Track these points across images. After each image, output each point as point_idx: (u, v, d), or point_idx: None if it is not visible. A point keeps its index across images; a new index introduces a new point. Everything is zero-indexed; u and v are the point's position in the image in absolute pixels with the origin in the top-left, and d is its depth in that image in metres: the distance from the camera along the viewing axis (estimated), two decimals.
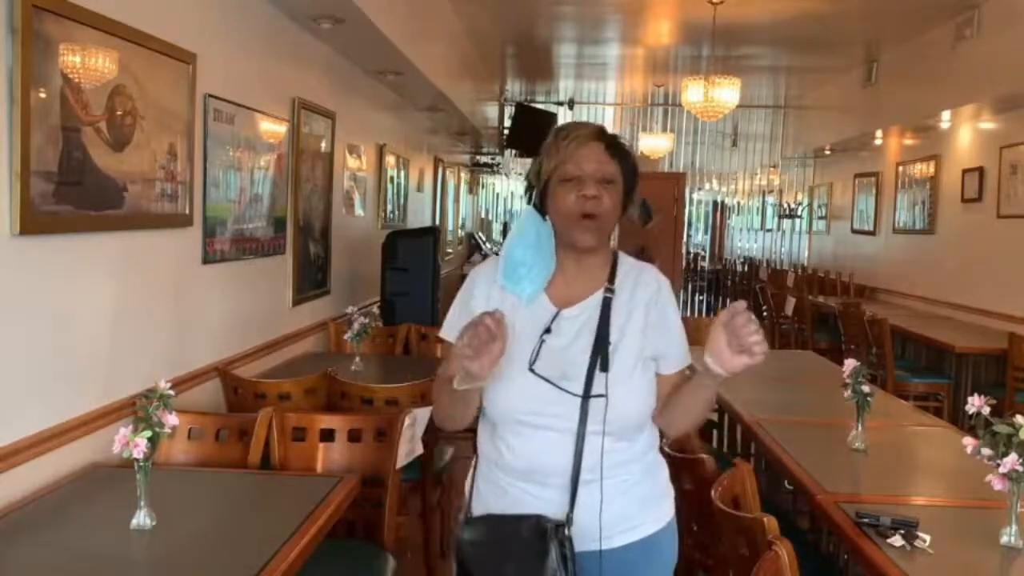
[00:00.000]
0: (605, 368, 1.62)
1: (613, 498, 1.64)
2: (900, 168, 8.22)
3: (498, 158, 11.90)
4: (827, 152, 10.02)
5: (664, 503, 1.76)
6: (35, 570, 1.75)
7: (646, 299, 1.71)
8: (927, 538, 1.89)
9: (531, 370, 1.63)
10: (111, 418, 2.48)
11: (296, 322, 4.33)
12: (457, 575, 1.66)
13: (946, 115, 6.65)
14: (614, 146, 1.68)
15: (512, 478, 1.67)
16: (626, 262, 1.76)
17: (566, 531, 1.57)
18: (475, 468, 1.78)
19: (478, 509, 1.72)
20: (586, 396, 1.61)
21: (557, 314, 1.68)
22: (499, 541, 1.60)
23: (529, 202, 1.74)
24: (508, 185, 17.16)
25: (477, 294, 1.74)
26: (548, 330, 1.66)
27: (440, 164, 8.81)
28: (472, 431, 4.80)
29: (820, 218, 11.25)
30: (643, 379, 1.69)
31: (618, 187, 1.67)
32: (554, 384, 1.62)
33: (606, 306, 1.68)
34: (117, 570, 1.77)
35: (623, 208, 1.71)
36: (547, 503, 1.62)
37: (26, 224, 2.09)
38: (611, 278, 1.72)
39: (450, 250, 9.51)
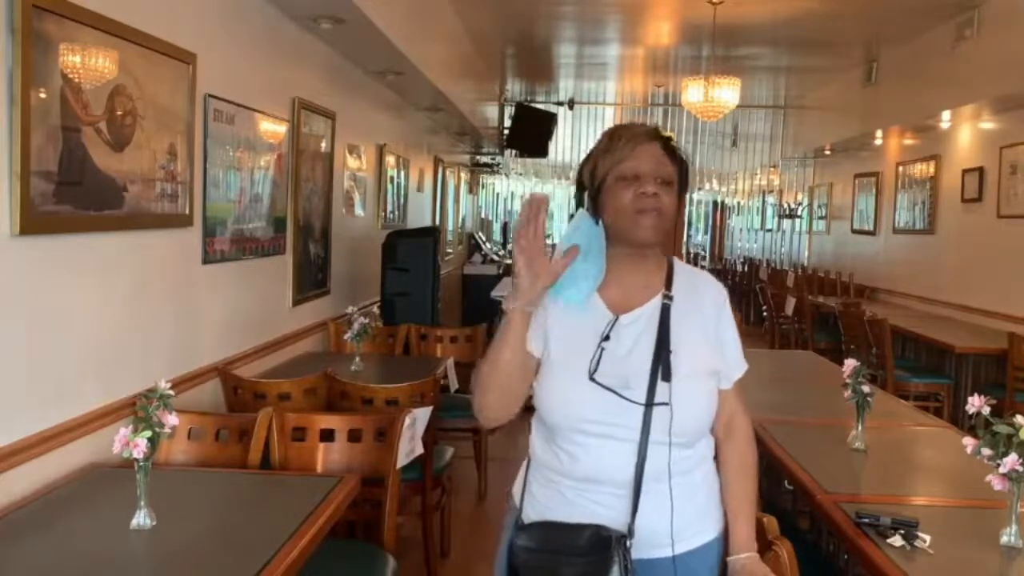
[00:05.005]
0: (667, 377, 1.58)
1: (680, 505, 1.60)
2: (900, 168, 8.22)
3: (498, 158, 11.90)
4: (827, 152, 10.02)
5: (719, 513, 1.71)
6: (35, 570, 1.75)
7: (706, 312, 1.69)
8: (927, 538, 1.89)
9: (592, 379, 1.58)
10: (111, 418, 2.48)
11: (296, 322, 4.33)
12: None
13: (946, 115, 6.65)
14: (670, 147, 1.65)
15: (572, 482, 1.62)
16: (682, 269, 1.73)
17: (628, 542, 1.53)
18: (527, 471, 1.73)
19: (531, 514, 1.67)
20: (648, 404, 1.57)
21: (615, 320, 1.63)
22: (556, 548, 1.55)
23: (579, 204, 1.69)
24: (508, 185, 17.17)
25: None
26: (607, 337, 1.62)
27: (440, 164, 8.81)
28: (473, 430, 4.79)
29: (820, 218, 11.26)
30: (705, 387, 1.66)
31: (674, 189, 1.63)
32: (616, 393, 1.57)
33: (665, 313, 1.64)
34: (117, 570, 1.77)
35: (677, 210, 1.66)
36: (609, 509, 1.58)
37: (26, 224, 2.09)
38: (668, 284, 1.68)
39: (450, 250, 9.51)
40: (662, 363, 1.58)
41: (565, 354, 1.63)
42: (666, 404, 1.57)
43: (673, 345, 1.61)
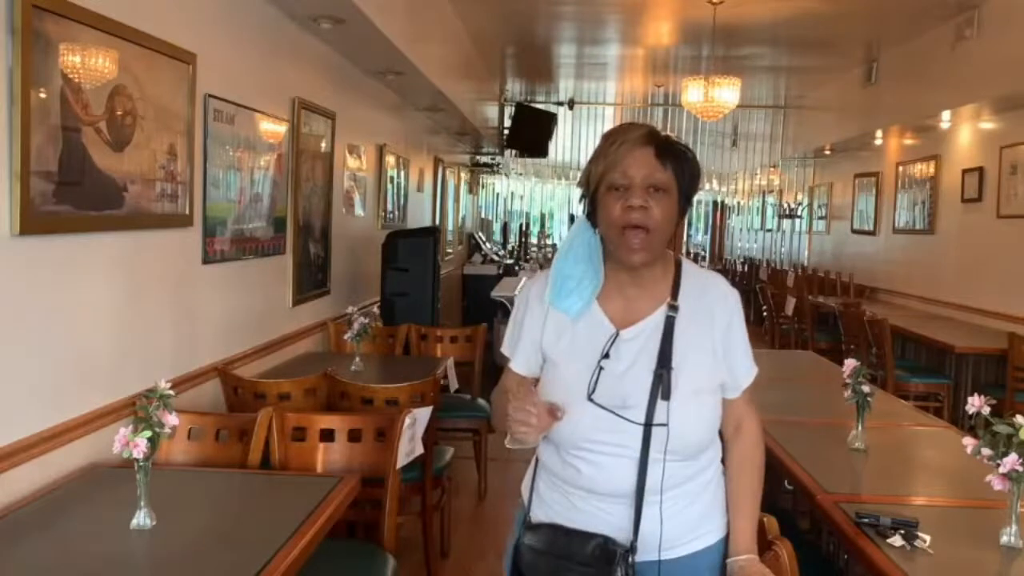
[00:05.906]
0: (667, 396, 1.55)
1: (674, 513, 1.60)
2: (900, 168, 8.22)
3: (498, 158, 11.90)
4: (827, 152, 10.02)
5: (724, 516, 1.70)
6: (35, 570, 1.75)
7: (715, 319, 1.64)
8: (927, 538, 1.89)
9: (590, 399, 1.57)
10: (111, 418, 2.49)
11: (296, 322, 4.33)
12: None
13: (946, 115, 6.65)
14: (667, 150, 1.57)
15: (578, 491, 1.62)
16: (691, 272, 1.68)
17: (631, 558, 1.52)
18: (535, 472, 1.73)
19: (539, 515, 1.67)
20: (648, 424, 1.55)
21: (616, 336, 1.60)
22: (562, 553, 1.55)
23: (583, 211, 1.66)
24: (508, 185, 17.16)
25: (529, 314, 1.70)
26: (607, 355, 1.59)
27: (440, 164, 8.81)
28: (473, 430, 4.77)
29: (820, 218, 11.26)
30: (707, 404, 1.63)
31: (671, 195, 1.57)
32: (614, 413, 1.56)
33: (668, 326, 1.60)
34: (117, 570, 1.77)
35: (682, 214, 1.62)
36: (612, 517, 1.58)
37: (26, 224, 2.09)
38: (674, 292, 1.63)
39: (450, 250, 9.50)
40: (662, 383, 1.56)
41: (565, 371, 1.62)
42: (664, 425, 1.55)
43: (675, 360, 1.58)
